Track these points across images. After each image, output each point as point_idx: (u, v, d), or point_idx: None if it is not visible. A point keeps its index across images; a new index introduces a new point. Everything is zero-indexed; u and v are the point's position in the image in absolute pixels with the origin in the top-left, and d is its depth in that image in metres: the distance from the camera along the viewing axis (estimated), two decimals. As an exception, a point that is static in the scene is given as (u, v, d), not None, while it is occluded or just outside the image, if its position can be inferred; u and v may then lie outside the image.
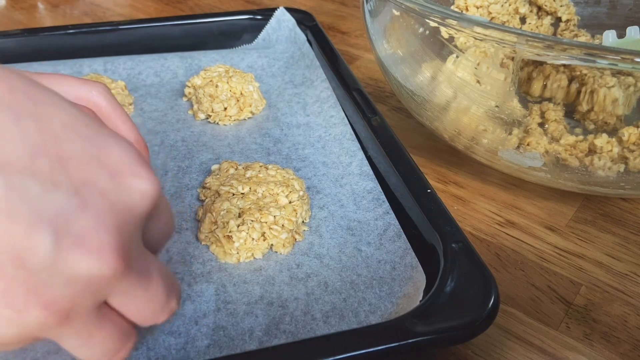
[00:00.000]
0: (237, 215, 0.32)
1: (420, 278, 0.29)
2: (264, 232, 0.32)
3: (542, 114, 0.39)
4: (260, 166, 0.36)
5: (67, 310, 0.18)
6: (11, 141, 0.16)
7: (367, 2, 0.42)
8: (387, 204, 0.35)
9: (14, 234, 0.16)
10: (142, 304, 0.20)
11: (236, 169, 0.36)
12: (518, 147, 0.37)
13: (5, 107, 0.16)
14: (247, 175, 0.35)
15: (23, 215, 0.16)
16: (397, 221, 0.34)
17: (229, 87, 0.44)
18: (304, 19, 0.54)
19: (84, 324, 0.19)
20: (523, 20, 0.49)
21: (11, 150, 0.16)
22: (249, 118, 0.44)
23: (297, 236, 0.33)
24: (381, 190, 0.36)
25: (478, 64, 0.37)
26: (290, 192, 0.34)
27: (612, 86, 0.38)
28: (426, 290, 0.28)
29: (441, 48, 0.39)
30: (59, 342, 0.19)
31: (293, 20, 0.53)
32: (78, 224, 0.17)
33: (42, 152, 0.17)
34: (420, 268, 0.30)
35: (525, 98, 0.40)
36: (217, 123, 0.44)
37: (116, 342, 0.20)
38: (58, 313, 0.17)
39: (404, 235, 0.32)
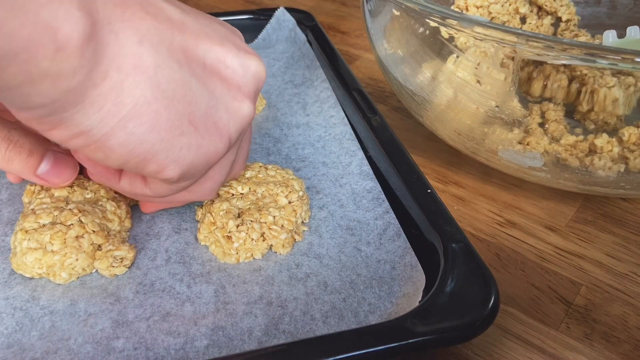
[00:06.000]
0: (237, 215, 0.32)
1: (420, 278, 0.29)
2: (264, 233, 0.32)
3: (542, 114, 0.39)
4: (260, 166, 0.36)
5: (233, 140, 0.27)
6: (179, 3, 0.25)
7: (367, 2, 0.42)
8: (387, 203, 0.35)
9: (214, 45, 0.25)
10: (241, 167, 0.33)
11: (236, 169, 0.36)
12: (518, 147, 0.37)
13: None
14: (247, 176, 0.35)
15: (211, 34, 0.25)
16: (396, 220, 0.33)
17: (228, 87, 0.44)
18: (304, 19, 0.54)
19: (228, 160, 0.29)
20: (523, 20, 0.49)
21: (181, 5, 0.25)
22: (248, 118, 0.44)
23: (296, 236, 0.33)
24: (381, 190, 0.36)
25: (478, 64, 0.37)
26: (290, 192, 0.34)
27: (612, 86, 0.38)
28: (426, 290, 0.28)
29: (441, 48, 0.39)
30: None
31: (293, 21, 0.53)
32: (235, 40, 0.27)
33: (191, 9, 0.26)
34: (419, 268, 0.30)
35: (525, 98, 0.40)
36: (217, 123, 0.43)
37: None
38: (255, 105, 0.27)
39: (403, 235, 0.32)
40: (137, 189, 0.29)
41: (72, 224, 0.30)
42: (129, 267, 0.31)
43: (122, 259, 0.31)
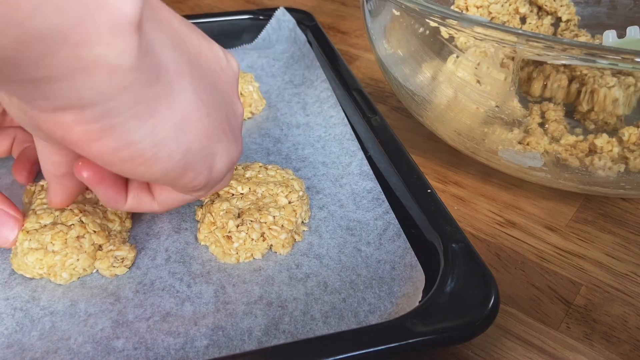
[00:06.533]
0: (237, 215, 0.32)
1: (420, 278, 0.29)
2: (264, 233, 0.32)
3: (542, 114, 0.39)
4: (260, 166, 0.36)
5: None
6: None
7: (367, 2, 0.42)
8: (387, 203, 0.35)
9: (211, 49, 0.24)
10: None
11: (235, 169, 0.36)
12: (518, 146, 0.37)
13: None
14: (247, 176, 0.35)
15: (204, 36, 0.24)
16: (396, 221, 0.33)
17: (228, 87, 0.44)
18: (304, 19, 0.54)
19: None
20: (523, 20, 0.49)
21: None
22: (248, 118, 0.44)
23: (296, 236, 0.33)
24: (381, 190, 0.36)
25: (478, 64, 0.37)
26: (290, 192, 0.34)
27: (612, 86, 0.38)
28: (426, 290, 0.28)
29: (441, 48, 0.39)
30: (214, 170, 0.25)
31: (293, 21, 0.53)
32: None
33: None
34: (419, 268, 0.30)
35: (525, 98, 0.40)
36: (217, 123, 0.43)
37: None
38: (242, 143, 0.27)
39: (403, 235, 0.32)
40: (144, 206, 0.28)
41: (72, 224, 0.30)
42: (129, 268, 0.31)
43: (123, 259, 0.31)
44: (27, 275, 0.30)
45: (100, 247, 0.31)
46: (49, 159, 0.27)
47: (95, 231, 0.31)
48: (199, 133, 0.22)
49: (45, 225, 0.30)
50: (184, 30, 0.23)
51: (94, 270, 0.31)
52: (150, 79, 0.19)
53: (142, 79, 0.19)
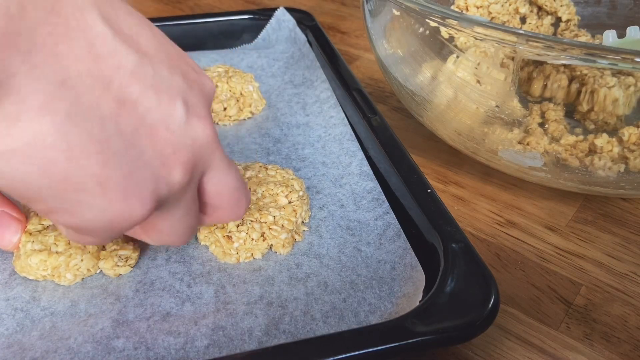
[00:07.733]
0: (237, 215, 0.32)
1: (420, 278, 0.29)
2: (264, 233, 0.32)
3: (543, 114, 0.39)
4: (260, 166, 0.36)
5: (193, 169, 0.23)
6: (147, 38, 0.22)
7: (367, 2, 0.42)
8: (387, 203, 0.35)
9: (161, 104, 0.21)
10: (233, 181, 0.25)
11: (236, 169, 0.36)
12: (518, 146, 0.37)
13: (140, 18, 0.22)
14: (247, 176, 0.35)
15: (165, 90, 0.21)
16: (397, 221, 0.33)
17: (228, 87, 0.44)
18: (303, 18, 0.54)
19: (192, 196, 0.24)
20: (523, 20, 0.49)
21: (148, 44, 0.22)
22: (248, 118, 0.44)
23: (296, 236, 0.33)
24: (381, 190, 0.36)
25: (478, 64, 0.37)
26: (290, 192, 0.34)
27: (613, 86, 0.38)
28: (426, 290, 0.28)
29: (441, 48, 0.39)
30: (161, 214, 0.23)
31: (293, 21, 0.53)
32: (190, 100, 0.22)
33: (161, 47, 0.22)
34: (419, 268, 0.30)
35: (525, 98, 0.40)
36: (217, 123, 0.44)
37: (192, 228, 0.26)
38: (190, 172, 0.22)
39: (403, 235, 0.32)
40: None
41: (73, 224, 0.30)
42: (132, 267, 0.31)
43: (127, 258, 0.31)
44: (31, 278, 0.30)
45: (103, 247, 0.31)
46: None
47: (95, 231, 0.31)
48: (46, 173, 0.19)
49: (47, 227, 0.30)
50: (117, 68, 0.20)
51: (98, 271, 0.31)
52: None
53: None
